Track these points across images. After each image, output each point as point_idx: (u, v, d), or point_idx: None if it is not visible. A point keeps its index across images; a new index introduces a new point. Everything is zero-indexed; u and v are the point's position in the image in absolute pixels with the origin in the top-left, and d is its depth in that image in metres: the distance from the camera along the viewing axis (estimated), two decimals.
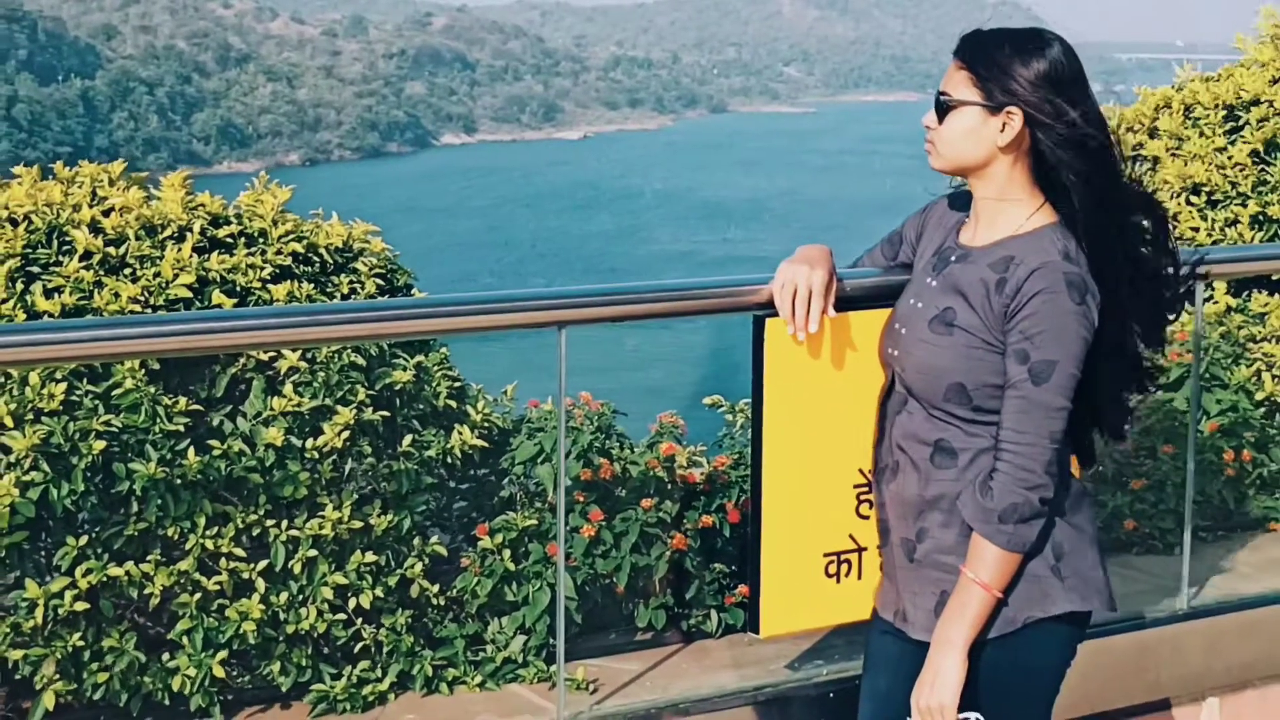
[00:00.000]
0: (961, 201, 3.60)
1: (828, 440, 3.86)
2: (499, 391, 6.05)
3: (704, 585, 5.78)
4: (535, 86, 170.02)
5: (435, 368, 5.70)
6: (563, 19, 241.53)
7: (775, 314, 3.73)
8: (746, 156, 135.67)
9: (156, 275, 5.18)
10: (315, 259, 5.64)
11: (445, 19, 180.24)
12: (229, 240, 5.47)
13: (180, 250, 5.21)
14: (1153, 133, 7.88)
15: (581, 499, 5.65)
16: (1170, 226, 3.49)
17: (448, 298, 4.60)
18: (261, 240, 5.55)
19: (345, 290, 5.60)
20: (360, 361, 5.34)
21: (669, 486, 5.86)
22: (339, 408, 5.21)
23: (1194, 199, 7.28)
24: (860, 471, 3.90)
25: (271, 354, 5.19)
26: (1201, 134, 7.45)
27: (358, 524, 5.22)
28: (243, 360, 5.21)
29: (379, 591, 5.26)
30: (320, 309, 4.82)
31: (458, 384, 5.81)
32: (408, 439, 5.36)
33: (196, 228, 5.37)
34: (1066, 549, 3.45)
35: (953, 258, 3.49)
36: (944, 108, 3.40)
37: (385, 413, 5.31)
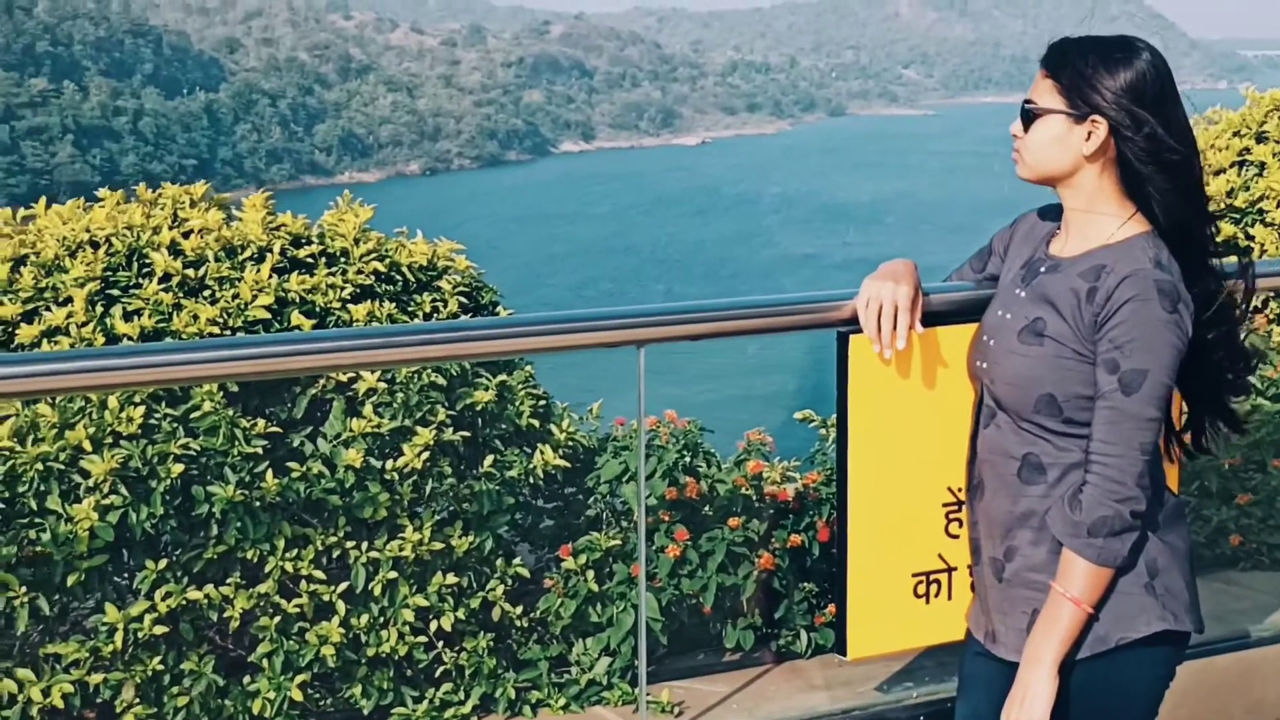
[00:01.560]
0: (1052, 214, 3.51)
1: (915, 458, 3.78)
2: (586, 409, 5.98)
3: (793, 605, 5.68)
4: (653, 92, 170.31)
5: (519, 386, 5.65)
6: (679, 24, 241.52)
7: (859, 330, 3.63)
8: (865, 159, 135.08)
9: (235, 297, 5.17)
10: (398, 278, 5.60)
11: (563, 27, 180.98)
12: (310, 260, 5.44)
13: (259, 271, 5.20)
14: (1260, 137, 7.67)
15: (667, 518, 5.57)
16: (1213, 249, 3.38)
17: (525, 317, 4.52)
18: (343, 260, 5.53)
19: (427, 309, 5.56)
20: (441, 381, 5.30)
21: (757, 505, 5.76)
22: (419, 428, 5.17)
23: None
24: (950, 490, 3.80)
25: (351, 375, 5.16)
26: None
27: (438, 545, 5.19)
28: (322, 382, 5.19)
29: (460, 613, 5.22)
30: (397, 330, 4.76)
31: (542, 402, 5.76)
32: (489, 459, 5.32)
33: (276, 248, 5.36)
34: (1161, 566, 3.34)
35: (1042, 269, 3.40)
36: (1029, 116, 3.32)
37: (466, 433, 5.27)
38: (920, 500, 3.81)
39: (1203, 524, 6.51)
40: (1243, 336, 3.47)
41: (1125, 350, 3.16)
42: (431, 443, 5.16)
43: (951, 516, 3.83)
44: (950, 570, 3.87)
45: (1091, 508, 3.20)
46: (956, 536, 3.82)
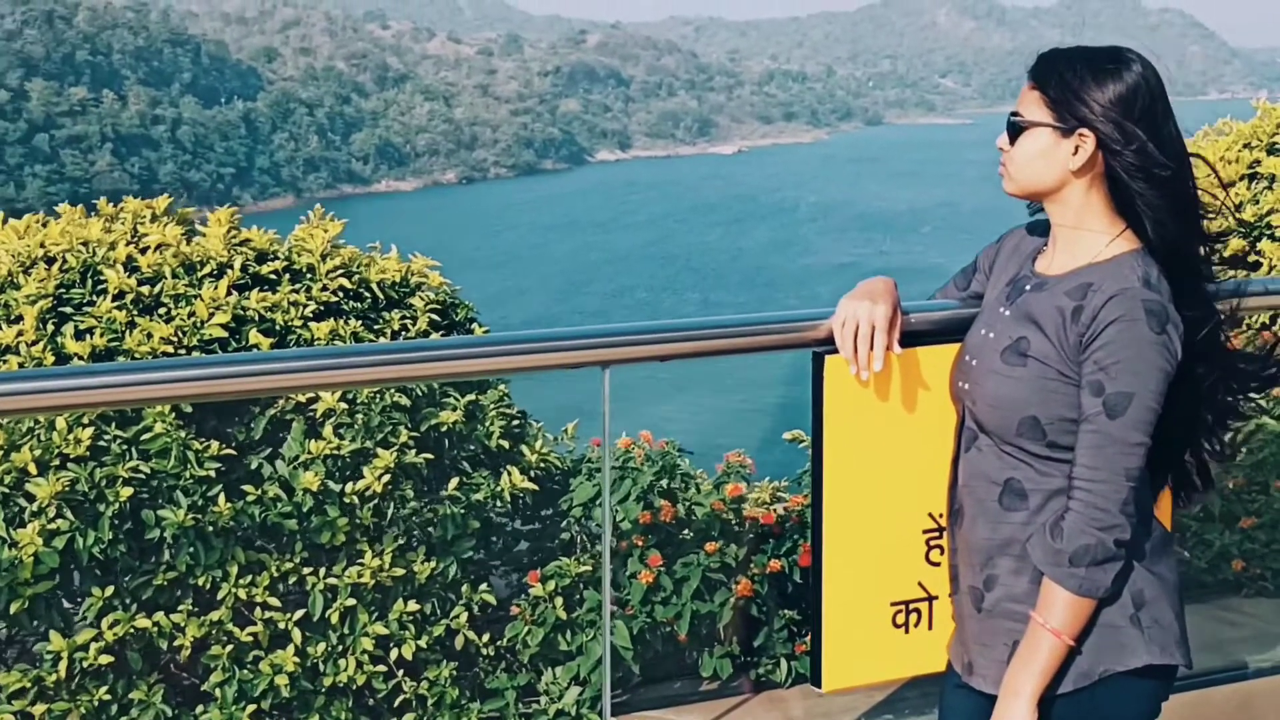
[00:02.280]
0: (1039, 230, 3.41)
1: (894, 483, 3.67)
2: (562, 429, 5.81)
3: (773, 632, 5.53)
4: (689, 102, 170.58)
5: (491, 406, 5.49)
6: (716, 34, 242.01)
7: (836, 350, 3.53)
8: (902, 168, 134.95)
9: (191, 315, 5.02)
10: (366, 295, 5.45)
11: (599, 36, 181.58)
12: (273, 277, 5.29)
13: (216, 289, 5.05)
14: (1271, 149, 7.46)
15: (641, 543, 5.40)
16: (1207, 269, 3.26)
17: (488, 337, 4.40)
18: (308, 276, 5.38)
19: (396, 327, 5.41)
20: (404, 402, 5.14)
21: (736, 529, 5.60)
22: (379, 450, 5.01)
23: None
24: (931, 516, 3.68)
25: (310, 396, 5.01)
26: None
27: (399, 571, 5.04)
28: (281, 402, 5.04)
29: (423, 642, 5.06)
30: (352, 350, 4.60)
31: (516, 422, 5.59)
32: (454, 482, 5.15)
33: (237, 264, 5.21)
34: (1148, 597, 3.23)
35: (1028, 286, 3.30)
36: (1015, 129, 3.24)
37: (429, 455, 5.10)
38: (899, 526, 3.69)
39: (1204, 548, 6.34)
40: (1237, 364, 3.35)
41: (1110, 372, 3.06)
42: (392, 465, 5.00)
43: (933, 543, 3.70)
44: (931, 599, 3.74)
45: (1073, 536, 3.09)
46: (938, 564, 3.70)
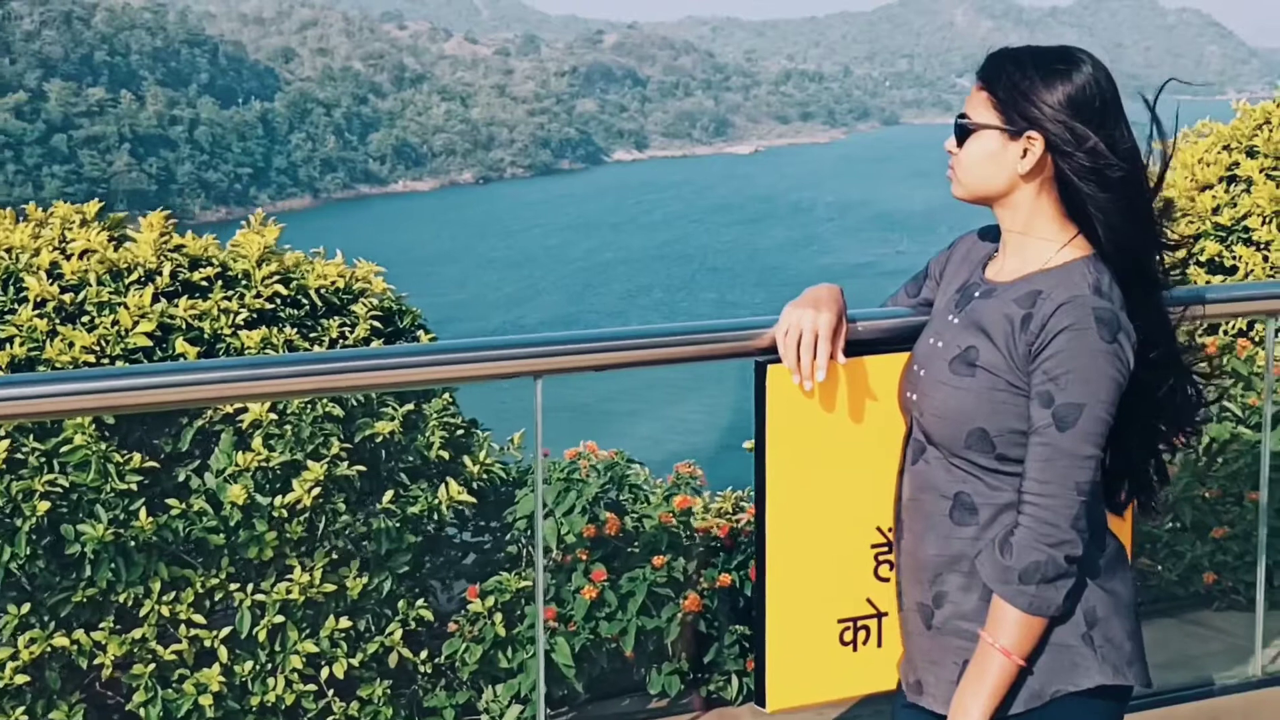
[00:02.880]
0: (992, 235, 3.31)
1: (840, 497, 3.57)
2: (508, 439, 5.67)
3: (723, 648, 5.37)
4: (706, 101, 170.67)
5: (435, 415, 5.34)
6: (733, 34, 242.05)
7: (779, 360, 3.42)
8: (920, 168, 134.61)
9: (115, 324, 4.88)
10: (304, 302, 5.30)
11: (616, 36, 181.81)
12: (205, 284, 5.14)
13: (141, 296, 4.91)
14: (1251, 151, 7.30)
15: (585, 557, 5.25)
16: (1163, 278, 3.20)
17: (415, 347, 4.29)
18: (243, 283, 5.23)
19: (334, 334, 5.27)
20: (337, 412, 5.00)
21: (686, 542, 5.44)
22: (310, 462, 4.87)
23: None
24: (879, 530, 3.57)
25: (238, 406, 4.87)
26: None
27: (331, 587, 4.90)
28: (210, 413, 4.90)
29: (355, 660, 4.92)
30: (275, 360, 4.47)
31: (460, 432, 5.45)
32: (389, 494, 5.01)
33: (167, 271, 5.06)
34: (1100, 615, 3.13)
35: (977, 293, 3.21)
36: (963, 131, 3.15)
37: (363, 467, 4.96)
38: (846, 541, 3.59)
39: (1176, 560, 6.23)
40: (1190, 379, 3.26)
41: (1060, 383, 2.97)
42: (323, 477, 4.85)
43: (881, 558, 3.60)
44: (880, 616, 3.65)
45: (1023, 552, 3.00)
46: (887, 580, 3.60)
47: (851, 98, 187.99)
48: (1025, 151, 3.05)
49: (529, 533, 5.41)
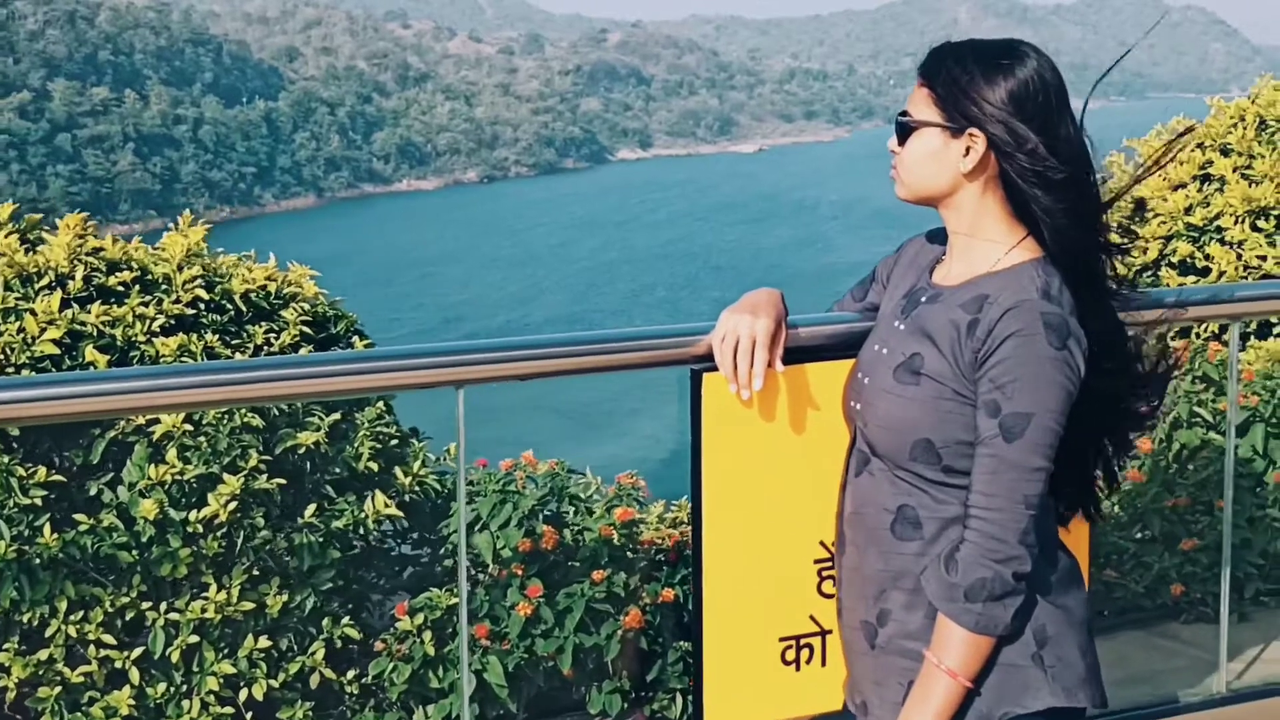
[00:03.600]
0: (940, 238, 3.24)
1: (781, 510, 3.45)
2: (444, 449, 5.47)
3: (667, 665, 5.18)
4: (710, 100, 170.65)
5: (367, 424, 5.14)
6: (737, 32, 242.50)
7: (715, 368, 3.30)
8: None
9: (21, 330, 4.68)
10: (229, 307, 5.10)
11: (620, 35, 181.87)
12: (121, 289, 4.94)
13: (49, 302, 4.71)
14: (1225, 149, 7.10)
15: (520, 572, 5.06)
16: (1115, 281, 3.09)
17: (332, 356, 4.08)
18: (163, 287, 5.03)
19: (259, 341, 5.07)
20: (257, 423, 4.80)
21: (629, 555, 5.25)
22: (226, 475, 4.67)
23: (1261, 223, 6.50)
24: (822, 545, 3.47)
25: (150, 417, 4.67)
26: (1275, 150, 6.65)
27: (249, 605, 4.70)
28: (123, 424, 4.70)
29: (275, 681, 4.72)
30: (179, 370, 4.25)
31: (394, 441, 5.25)
32: (311, 508, 4.81)
33: (80, 275, 4.86)
34: (1050, 633, 3.04)
35: (923, 298, 3.12)
36: (904, 129, 3.07)
37: (281, 480, 4.76)
38: (788, 556, 3.48)
39: (1143, 571, 6.05)
40: (1144, 387, 3.17)
41: (1007, 391, 2.87)
42: (240, 491, 4.65)
43: (824, 574, 3.49)
44: (824, 634, 3.54)
45: (969, 568, 2.90)
46: (831, 596, 3.46)
47: (855, 96, 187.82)
48: (967, 150, 2.95)
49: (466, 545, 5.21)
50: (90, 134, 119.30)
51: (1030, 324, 2.85)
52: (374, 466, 5.04)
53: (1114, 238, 3.07)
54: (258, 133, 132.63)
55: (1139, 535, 6.11)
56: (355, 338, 5.54)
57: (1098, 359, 2.98)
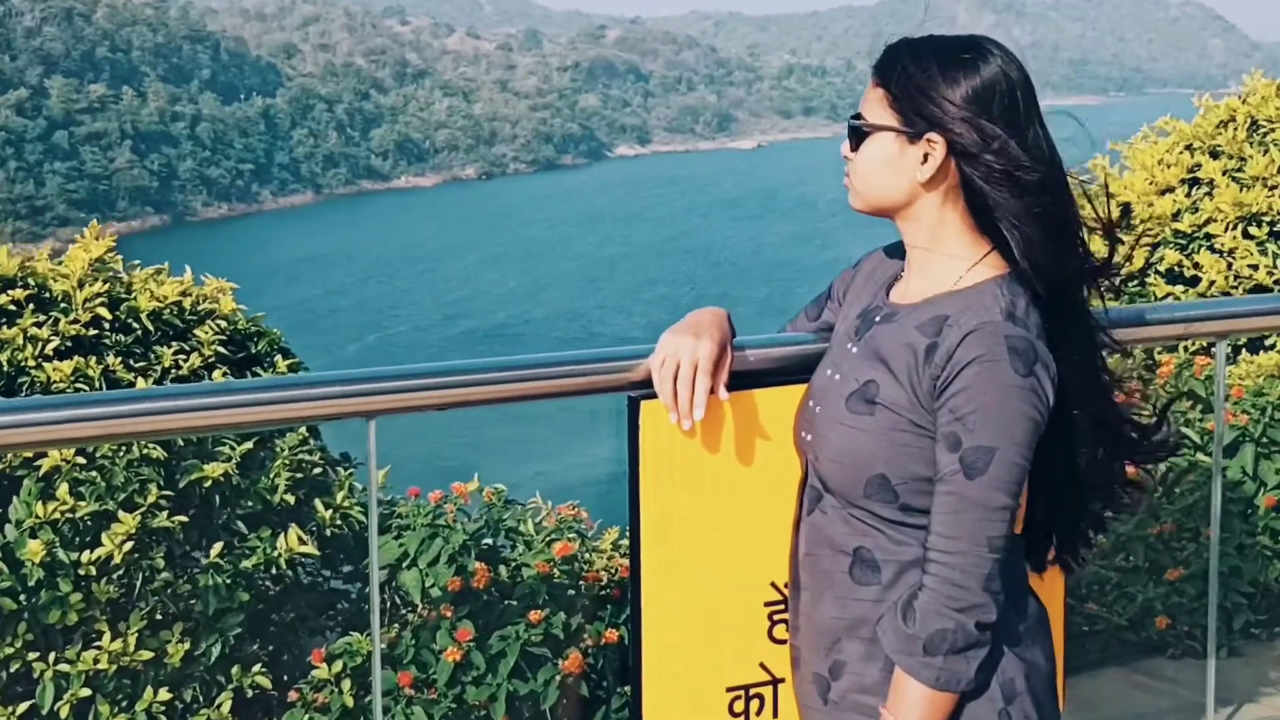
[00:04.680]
0: (900, 252, 3.03)
1: (728, 549, 3.21)
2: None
3: (610, 712, 4.82)
4: (709, 96, 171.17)
5: (286, 452, 4.76)
6: (735, 28, 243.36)
7: (655, 395, 3.07)
8: None
9: None
10: (135, 326, 4.72)
11: (618, 31, 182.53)
12: (13, 308, 4.56)
13: None
14: (1214, 152, 6.72)
15: (449, 614, 4.68)
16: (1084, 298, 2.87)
17: (228, 385, 3.71)
18: (62, 305, 4.65)
19: (167, 363, 4.69)
20: (158, 455, 4.41)
21: (571, 593, 4.87)
22: (122, 513, 4.29)
23: (1253, 230, 6.12)
24: (774, 586, 3.23)
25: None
26: (1266, 152, 6.27)
27: (147, 654, 4.31)
28: (9, 457, 4.31)
29: None
30: (41, 404, 3.87)
31: (317, 470, 4.87)
32: (217, 548, 4.43)
33: None
34: (1019, 689, 2.83)
35: (878, 318, 2.92)
36: (857, 134, 2.86)
37: (183, 517, 4.38)
38: (736, 599, 3.24)
39: (1126, 603, 5.74)
40: (1122, 415, 2.95)
41: (968, 423, 2.67)
42: (137, 529, 4.27)
43: (776, 618, 3.25)
44: (776, 682, 3.30)
45: (928, 619, 2.70)
46: (784, 642, 3.24)
47: (854, 92, 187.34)
48: (925, 156, 2.76)
49: (392, 584, 4.84)
50: (88, 131, 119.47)
51: (993, 349, 2.64)
52: (290, 499, 4.66)
53: (1096, 244, 2.85)
54: (255, 129, 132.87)
55: (1122, 564, 5.77)
56: (278, 357, 5.15)
57: (1069, 386, 2.78)
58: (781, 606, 3.18)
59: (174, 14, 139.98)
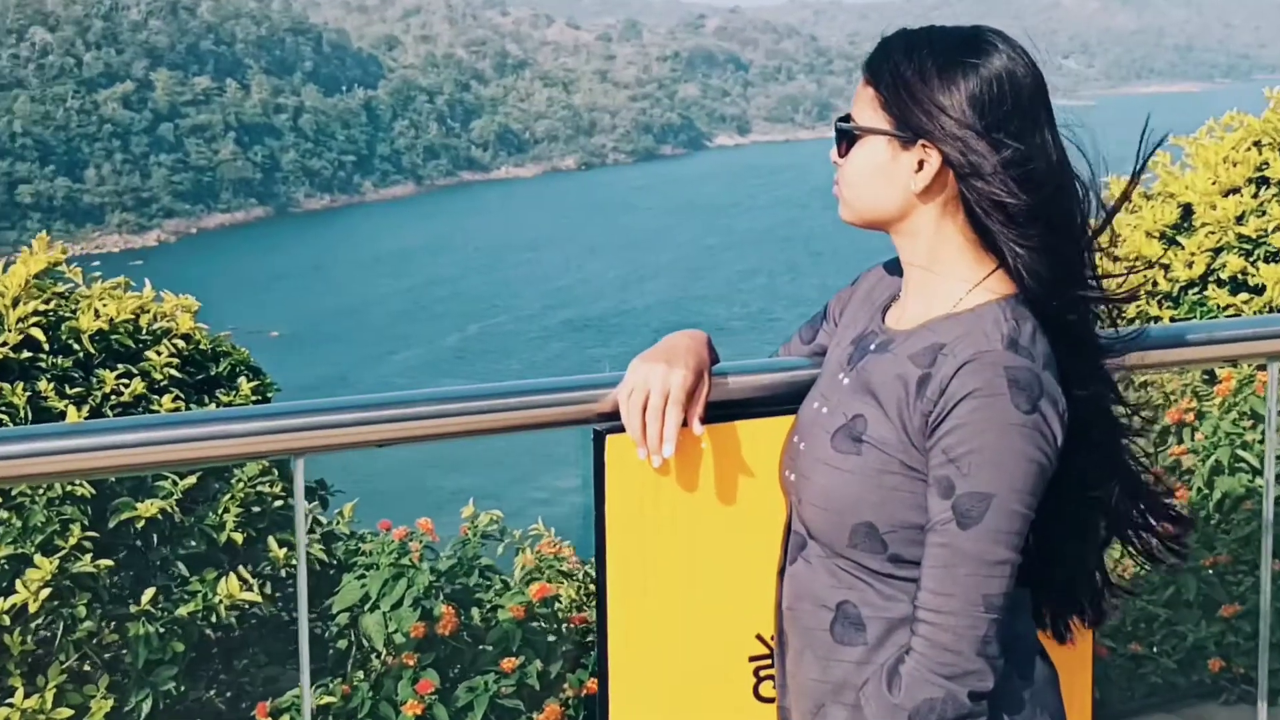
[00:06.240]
0: (900, 270, 2.77)
1: (707, 599, 2.94)
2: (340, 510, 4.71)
3: None
4: (808, 86, 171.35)
5: (243, 484, 4.38)
6: (836, 17, 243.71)
7: (623, 428, 2.81)
8: None
9: None
10: (76, 348, 4.34)
11: (718, 20, 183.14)
12: None
13: None
14: None
15: (412, 662, 4.27)
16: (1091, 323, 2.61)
17: (151, 419, 3.37)
18: None
19: (109, 388, 4.30)
20: (84, 492, 4.03)
21: (549, 638, 4.47)
22: (39, 557, 3.91)
23: None
24: (760, 639, 2.95)
25: None
26: None
27: (66, 712, 3.95)
28: None
29: None
30: None
31: (278, 503, 4.48)
32: (148, 594, 4.04)
33: None
34: None
35: (872, 345, 2.67)
36: (847, 137, 2.62)
37: (108, 561, 4.00)
38: (717, 655, 2.97)
39: (1176, 642, 5.33)
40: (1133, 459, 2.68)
41: (962, 466, 2.41)
42: (54, 574, 3.89)
43: (763, 674, 2.98)
44: None
45: (914, 686, 2.45)
46: (771, 700, 2.97)
47: None
48: (920, 164, 2.51)
49: (347, 628, 4.45)
50: (192, 123, 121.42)
51: (991, 381, 2.40)
52: (239, 537, 4.27)
53: (1109, 267, 2.61)
54: (357, 121, 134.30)
55: (1171, 599, 5.39)
56: (243, 379, 4.76)
57: (1082, 424, 2.52)
58: (768, 662, 2.92)
59: (277, 7, 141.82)
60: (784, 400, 2.88)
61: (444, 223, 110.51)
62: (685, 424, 2.76)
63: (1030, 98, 2.50)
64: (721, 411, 2.85)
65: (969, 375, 2.42)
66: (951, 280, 2.56)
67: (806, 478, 2.64)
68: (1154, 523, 2.72)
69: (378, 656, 4.39)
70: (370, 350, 71.80)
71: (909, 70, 2.53)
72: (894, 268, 2.77)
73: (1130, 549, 2.73)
